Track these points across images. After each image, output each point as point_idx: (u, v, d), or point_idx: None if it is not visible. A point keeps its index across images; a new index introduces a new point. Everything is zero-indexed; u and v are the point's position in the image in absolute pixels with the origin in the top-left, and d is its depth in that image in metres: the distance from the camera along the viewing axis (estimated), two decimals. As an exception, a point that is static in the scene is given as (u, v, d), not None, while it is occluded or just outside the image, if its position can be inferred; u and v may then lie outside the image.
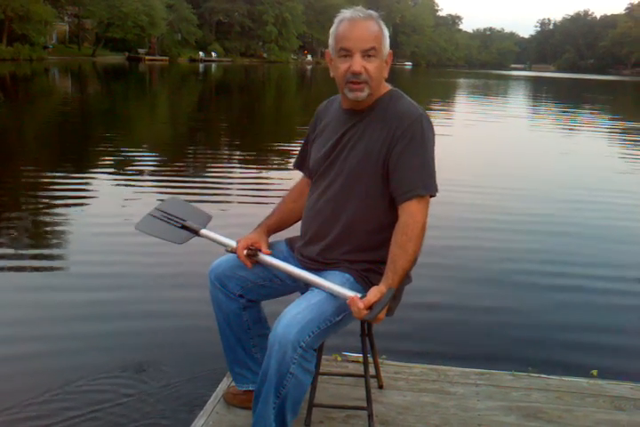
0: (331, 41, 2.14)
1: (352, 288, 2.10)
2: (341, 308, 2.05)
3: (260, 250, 2.28)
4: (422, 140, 2.10)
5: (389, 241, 2.15)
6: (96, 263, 4.96)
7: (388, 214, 2.17)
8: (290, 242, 2.45)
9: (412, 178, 2.09)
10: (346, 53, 2.08)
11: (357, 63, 2.07)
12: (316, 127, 2.41)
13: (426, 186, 2.09)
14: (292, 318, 1.97)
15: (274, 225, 2.44)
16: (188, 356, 3.48)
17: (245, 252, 2.26)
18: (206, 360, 3.35)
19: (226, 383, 2.75)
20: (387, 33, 2.14)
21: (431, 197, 2.13)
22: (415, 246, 2.04)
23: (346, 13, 2.12)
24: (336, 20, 2.13)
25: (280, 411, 2.04)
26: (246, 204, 7.12)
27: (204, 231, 2.43)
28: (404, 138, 2.09)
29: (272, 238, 2.48)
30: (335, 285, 2.05)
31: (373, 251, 2.19)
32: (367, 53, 2.07)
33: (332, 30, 2.14)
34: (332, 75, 2.19)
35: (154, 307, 4.18)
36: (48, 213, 6.43)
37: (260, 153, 11.12)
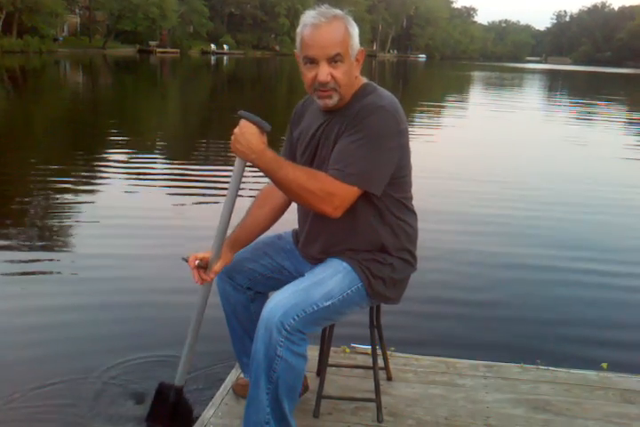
0: (297, 44, 2.08)
1: (346, 277, 2.11)
2: (330, 294, 2.05)
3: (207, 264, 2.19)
4: (370, 132, 2.02)
5: (391, 228, 2.18)
6: (99, 255, 4.97)
7: (380, 208, 2.15)
8: (295, 233, 2.45)
9: (340, 160, 2.03)
10: (311, 61, 2.03)
11: (323, 72, 2.01)
12: (293, 125, 2.37)
13: (348, 173, 1.99)
14: (278, 301, 1.99)
15: (236, 240, 2.28)
16: (195, 348, 3.49)
17: (197, 263, 2.17)
18: (214, 351, 3.36)
19: (234, 375, 2.77)
20: (355, 31, 2.06)
21: (356, 186, 2.02)
22: (299, 187, 1.96)
23: (308, 17, 2.04)
24: (300, 23, 2.06)
25: (275, 397, 2.03)
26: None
27: None
28: (352, 128, 2.04)
29: (282, 228, 2.49)
30: None
31: (377, 240, 2.18)
32: (333, 59, 2.01)
33: (297, 31, 2.07)
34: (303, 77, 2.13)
35: (160, 298, 4.18)
36: (54, 207, 6.44)
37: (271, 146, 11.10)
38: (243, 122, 1.96)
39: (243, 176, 2.07)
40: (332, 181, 1.99)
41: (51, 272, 4.70)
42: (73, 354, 3.42)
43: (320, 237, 2.23)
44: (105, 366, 3.25)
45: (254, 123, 1.95)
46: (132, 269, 4.72)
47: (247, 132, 1.93)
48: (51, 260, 4.97)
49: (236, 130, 1.95)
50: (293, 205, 2.34)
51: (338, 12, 2.05)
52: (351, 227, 2.16)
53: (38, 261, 4.92)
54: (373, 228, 2.16)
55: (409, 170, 2.21)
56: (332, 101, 2.08)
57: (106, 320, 3.85)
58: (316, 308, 2.01)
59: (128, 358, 3.33)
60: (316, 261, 2.26)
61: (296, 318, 1.97)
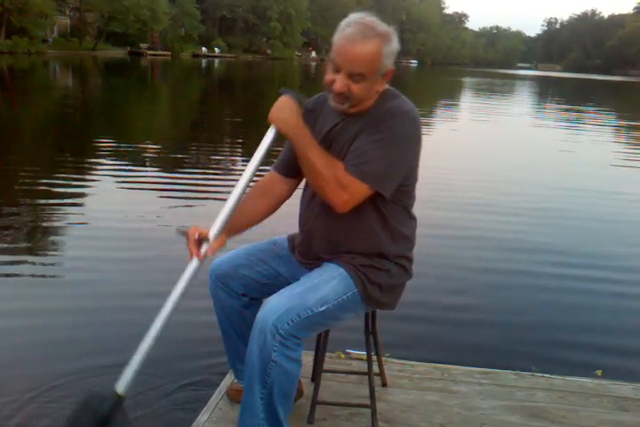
0: (333, 39, 2.03)
1: (342, 282, 2.09)
2: (324, 299, 2.03)
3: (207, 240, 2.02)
4: (392, 134, 2.01)
5: (392, 233, 2.16)
6: (93, 260, 4.91)
7: (384, 214, 2.14)
8: (291, 239, 2.42)
9: (357, 156, 2.02)
10: (335, 67, 2.01)
11: (340, 82, 2.00)
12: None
13: (364, 171, 1.99)
14: (272, 305, 1.97)
15: (232, 226, 2.12)
16: (189, 353, 3.47)
17: (197, 236, 2.02)
18: (209, 356, 3.34)
19: (229, 380, 2.74)
20: (390, 51, 2.01)
21: (368, 186, 2.01)
22: (317, 172, 1.98)
23: (348, 26, 1.98)
24: (340, 26, 2.00)
25: (269, 402, 2.01)
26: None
27: None
28: (373, 128, 2.03)
29: (276, 234, 2.47)
30: None
31: (377, 245, 2.16)
32: (354, 76, 1.98)
33: (337, 28, 2.02)
34: None
35: (152, 304, 4.13)
36: (44, 211, 6.38)
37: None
38: (285, 97, 2.02)
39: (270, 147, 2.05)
40: (347, 175, 1.98)
41: (33, 275, 4.66)
42: (44, 359, 3.38)
43: (321, 237, 2.21)
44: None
45: (295, 99, 2.01)
46: (116, 273, 4.64)
47: (289, 106, 1.99)
48: (33, 263, 4.92)
49: (279, 101, 2.01)
50: (291, 209, 2.33)
51: (382, 29, 1.98)
52: (353, 229, 2.14)
53: (22, 263, 4.89)
54: (375, 233, 2.15)
55: (416, 178, 2.20)
56: (343, 107, 2.07)
57: (81, 324, 3.82)
58: (310, 313, 2.00)
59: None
60: (311, 265, 2.23)
61: (290, 322, 1.95)
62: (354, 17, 2.00)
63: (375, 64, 1.99)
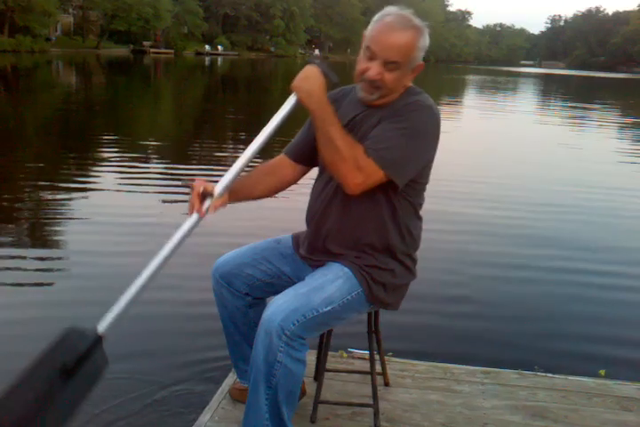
0: (367, 30, 2.08)
1: (347, 282, 2.09)
2: (330, 299, 2.03)
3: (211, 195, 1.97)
4: (414, 124, 2.03)
5: (401, 230, 2.16)
6: (96, 260, 4.90)
7: (395, 206, 2.13)
8: (295, 238, 2.42)
9: (378, 142, 2.00)
10: (369, 54, 2.03)
11: (375, 70, 2.02)
12: None
13: (382, 156, 1.98)
14: (278, 306, 1.97)
15: (232, 192, 2.09)
16: (192, 352, 3.47)
17: (201, 189, 1.96)
18: (211, 356, 3.35)
19: (232, 379, 2.74)
20: (424, 45, 2.07)
21: (389, 181, 2.01)
22: (336, 149, 1.95)
23: (388, 15, 2.04)
24: (377, 16, 2.06)
25: (274, 402, 2.01)
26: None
27: None
28: (396, 117, 2.04)
29: (282, 232, 2.47)
30: None
31: (386, 239, 2.16)
32: (388, 64, 2.01)
33: (373, 19, 2.07)
34: None
35: (154, 297, 4.13)
36: (47, 206, 6.40)
37: (266, 147, 11.08)
38: (312, 66, 1.97)
39: (288, 115, 2.02)
40: (365, 157, 1.97)
41: (36, 269, 4.69)
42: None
43: (331, 227, 2.19)
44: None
45: (323, 72, 1.96)
46: (118, 267, 4.62)
47: (315, 76, 1.96)
48: (36, 257, 4.94)
49: (305, 70, 1.97)
50: (297, 205, 2.32)
51: (417, 22, 2.05)
52: (364, 218, 2.14)
53: (24, 257, 4.91)
54: (386, 226, 2.14)
55: (428, 178, 2.21)
56: (372, 97, 2.09)
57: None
58: (316, 313, 2.00)
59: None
60: (316, 262, 2.23)
61: (296, 322, 1.95)
62: (391, 8, 2.06)
63: (410, 54, 2.03)
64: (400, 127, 2.02)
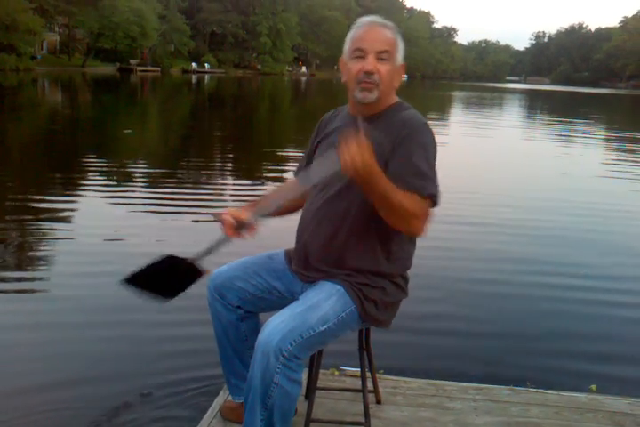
0: (346, 46, 2.20)
1: (340, 299, 2.09)
2: (325, 317, 2.03)
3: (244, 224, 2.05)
4: (425, 145, 2.09)
5: (389, 254, 2.16)
6: (86, 275, 4.88)
7: (386, 231, 2.11)
8: (288, 253, 2.42)
9: (410, 177, 2.01)
10: (360, 54, 2.12)
11: (370, 63, 2.10)
12: (318, 135, 2.39)
13: (425, 187, 2.01)
14: (274, 326, 1.96)
15: (258, 205, 2.16)
16: (184, 368, 3.44)
17: (233, 220, 2.04)
18: (202, 374, 3.32)
19: (222, 397, 2.71)
20: (401, 45, 2.19)
21: (433, 202, 2.04)
22: (406, 211, 1.92)
23: (365, 19, 2.19)
24: (353, 26, 2.19)
25: (269, 423, 2.01)
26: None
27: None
28: (409, 139, 2.07)
29: (272, 248, 2.47)
30: None
31: (372, 263, 2.16)
32: (381, 56, 2.11)
33: (348, 35, 2.19)
34: (343, 80, 2.22)
35: (138, 318, 4.10)
36: (31, 227, 6.33)
37: (253, 165, 11.12)
38: (358, 138, 1.75)
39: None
40: (421, 201, 1.98)
41: (19, 290, 4.65)
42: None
43: (317, 250, 2.20)
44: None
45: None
46: (102, 289, 4.54)
47: (366, 145, 1.79)
48: (19, 278, 4.90)
49: (356, 143, 1.77)
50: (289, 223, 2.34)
51: (392, 24, 2.20)
52: (352, 246, 2.15)
53: (8, 279, 4.86)
54: (374, 251, 2.16)
55: None
56: (372, 96, 2.14)
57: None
58: (312, 332, 2.00)
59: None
60: (309, 278, 2.23)
61: (293, 343, 1.94)
62: (365, 17, 2.23)
63: (395, 46, 2.17)
64: (422, 156, 2.05)
